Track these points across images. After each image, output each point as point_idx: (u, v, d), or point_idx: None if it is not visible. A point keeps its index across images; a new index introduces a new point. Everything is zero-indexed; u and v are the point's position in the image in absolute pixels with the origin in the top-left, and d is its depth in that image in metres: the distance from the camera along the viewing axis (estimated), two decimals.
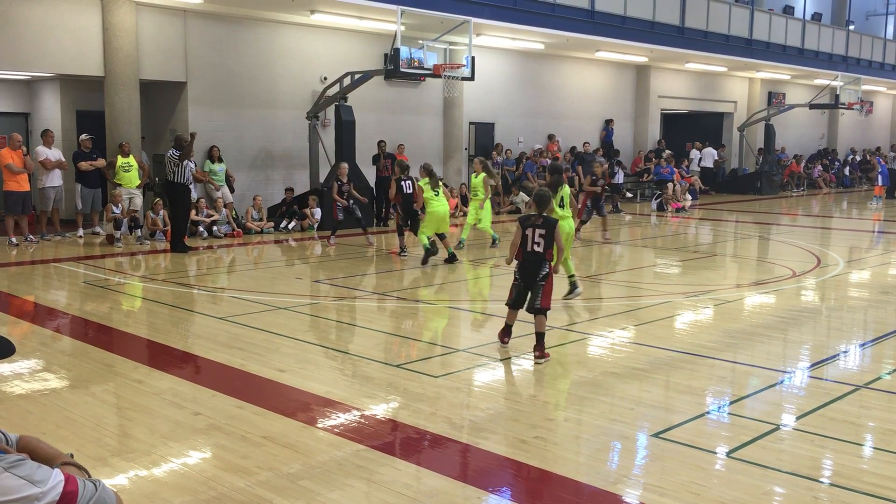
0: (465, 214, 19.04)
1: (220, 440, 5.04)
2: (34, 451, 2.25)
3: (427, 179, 12.27)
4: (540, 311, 6.95)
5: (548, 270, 7.06)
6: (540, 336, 6.92)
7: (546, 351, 6.92)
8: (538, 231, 7.00)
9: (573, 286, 9.45)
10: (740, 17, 25.21)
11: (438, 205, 12.18)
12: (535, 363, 6.84)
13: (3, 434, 2.25)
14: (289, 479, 4.47)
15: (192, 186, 13.92)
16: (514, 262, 7.21)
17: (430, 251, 12.02)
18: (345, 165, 14.49)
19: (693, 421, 5.47)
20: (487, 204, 13.90)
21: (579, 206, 14.37)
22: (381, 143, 17.53)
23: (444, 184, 12.80)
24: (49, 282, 11.02)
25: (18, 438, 2.32)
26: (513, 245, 7.16)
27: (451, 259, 12.12)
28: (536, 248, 7.01)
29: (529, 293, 7.03)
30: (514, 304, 7.14)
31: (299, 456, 4.79)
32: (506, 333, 7.25)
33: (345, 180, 14.15)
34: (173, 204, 13.29)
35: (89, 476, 2.18)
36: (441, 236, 12.29)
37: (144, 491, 4.32)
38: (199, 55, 16.07)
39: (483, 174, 13.72)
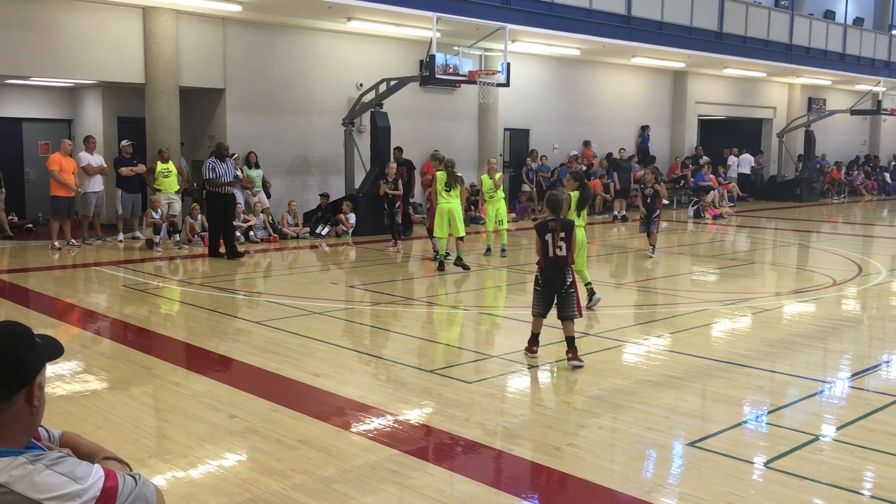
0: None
1: (256, 443, 5.09)
2: (76, 447, 2.29)
3: (444, 174, 12.10)
4: (571, 317, 6.91)
5: (573, 277, 7.03)
6: (571, 340, 6.88)
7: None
8: (558, 235, 6.92)
9: (591, 293, 9.32)
10: (780, 22, 24.88)
11: (445, 202, 11.99)
12: (575, 366, 6.78)
13: (45, 430, 2.30)
14: (323, 482, 4.49)
15: (232, 192, 13.63)
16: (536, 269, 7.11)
17: (441, 259, 12.01)
18: (393, 165, 14.43)
19: (730, 430, 5.39)
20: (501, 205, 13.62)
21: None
22: (395, 151, 16.60)
23: (460, 183, 12.24)
24: (90, 285, 11.23)
25: (61, 434, 2.37)
26: (538, 252, 7.07)
27: (459, 263, 12.00)
28: (559, 253, 6.93)
29: (557, 300, 6.96)
30: (538, 313, 7.05)
31: (333, 460, 4.82)
32: (534, 342, 7.13)
33: (391, 180, 14.01)
34: (209, 210, 13.38)
35: (131, 470, 2.22)
36: (459, 239, 12.17)
37: (181, 492, 4.37)
38: (238, 62, 16.30)
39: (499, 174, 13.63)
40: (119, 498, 1.99)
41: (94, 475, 1.98)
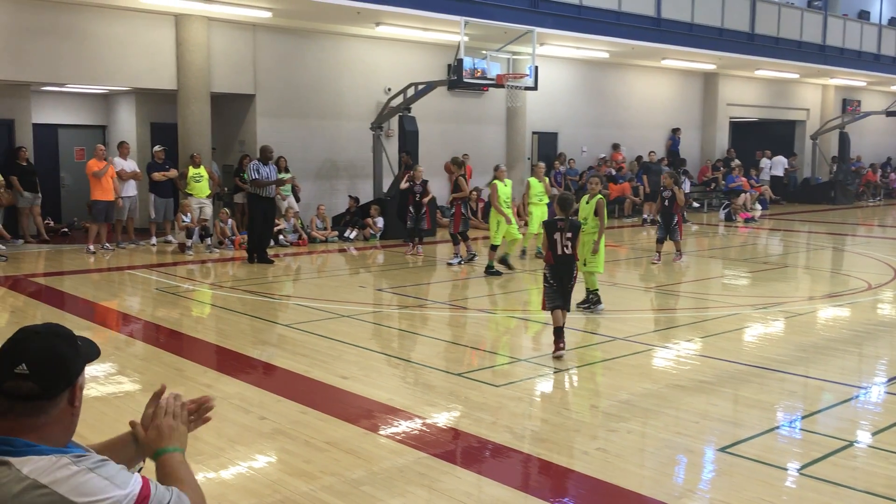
0: (526, 224, 19.01)
1: (285, 444, 5.13)
2: (109, 448, 2.32)
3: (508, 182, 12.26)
4: (563, 308, 7.40)
5: (576, 272, 7.55)
6: (560, 330, 7.25)
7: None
8: (565, 234, 7.39)
9: (596, 301, 9.24)
10: (813, 23, 24.55)
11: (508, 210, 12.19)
12: (555, 356, 7.13)
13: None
14: (351, 484, 4.51)
15: (274, 196, 13.37)
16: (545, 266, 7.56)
17: (498, 265, 11.97)
18: (421, 169, 14.42)
19: (762, 436, 5.32)
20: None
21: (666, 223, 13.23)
22: (402, 155, 16.04)
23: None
24: (123, 288, 11.40)
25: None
26: (544, 248, 7.58)
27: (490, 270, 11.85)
28: (566, 251, 7.41)
29: (566, 294, 7.41)
30: (557, 306, 7.33)
31: (361, 462, 4.83)
32: (559, 338, 7.23)
33: (417, 183, 14.00)
34: (250, 215, 13.31)
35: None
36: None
37: (212, 493, 4.41)
38: (268, 68, 16.45)
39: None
40: (151, 501, 2.02)
41: (133, 482, 2.01)
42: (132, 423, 2.39)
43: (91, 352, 2.18)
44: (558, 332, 7.23)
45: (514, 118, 20.39)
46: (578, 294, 9.14)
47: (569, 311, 7.49)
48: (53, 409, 2.02)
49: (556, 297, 7.35)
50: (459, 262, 12.84)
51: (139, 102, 16.90)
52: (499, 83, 15.45)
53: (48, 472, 1.92)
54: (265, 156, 13.07)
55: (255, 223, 13.12)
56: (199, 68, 15.24)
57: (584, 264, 8.97)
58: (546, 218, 13.21)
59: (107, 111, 17.87)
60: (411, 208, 14.01)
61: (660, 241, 13.20)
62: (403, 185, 14.40)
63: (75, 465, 1.95)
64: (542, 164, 14.02)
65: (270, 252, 13.52)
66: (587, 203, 9.26)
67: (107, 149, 16.96)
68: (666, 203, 13.17)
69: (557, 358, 7.15)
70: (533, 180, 13.58)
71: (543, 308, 7.57)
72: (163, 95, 16.24)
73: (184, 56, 15.14)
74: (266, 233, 13.24)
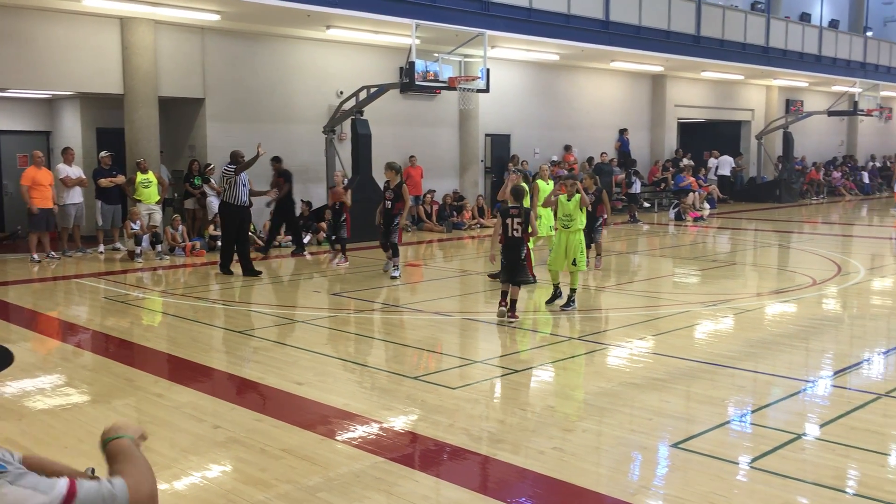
0: (480, 226, 19.14)
1: (240, 453, 5.06)
2: (40, 468, 2.25)
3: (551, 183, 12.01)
4: (520, 283, 8.80)
5: (526, 251, 8.82)
6: (514, 303, 8.72)
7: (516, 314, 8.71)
8: (516, 220, 8.69)
9: (571, 301, 9.47)
10: (756, 25, 25.12)
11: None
12: (509, 322, 8.57)
13: (9, 452, 2.25)
14: (308, 491, 4.47)
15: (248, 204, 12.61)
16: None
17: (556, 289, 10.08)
18: (339, 173, 13.87)
19: (714, 431, 5.42)
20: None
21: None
22: (272, 163, 15.15)
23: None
24: (70, 297, 11.14)
25: (22, 457, 2.32)
26: (495, 234, 8.96)
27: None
28: (515, 234, 8.72)
29: (512, 271, 8.70)
30: (504, 280, 8.86)
31: (318, 468, 4.80)
32: (503, 298, 8.75)
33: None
34: (222, 224, 12.55)
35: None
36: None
37: None
38: (217, 72, 16.24)
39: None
40: (78, 497, 1.98)
41: (58, 486, 1.97)
42: None
43: (2, 359, 2.11)
44: (503, 295, 8.73)
45: (467, 121, 20.46)
46: (565, 295, 9.62)
47: (515, 285, 8.74)
48: None
49: (504, 273, 8.81)
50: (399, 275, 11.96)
51: (84, 107, 16.52)
52: (451, 86, 15.50)
53: None
54: (238, 161, 12.26)
55: (228, 235, 12.36)
56: (146, 72, 14.97)
57: (574, 264, 9.44)
58: (552, 221, 13.01)
59: (51, 116, 17.44)
60: (331, 216, 13.50)
61: (594, 243, 12.43)
62: (271, 195, 14.23)
63: None
64: (545, 167, 13.52)
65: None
66: (567, 201, 9.45)
67: (51, 155, 16.61)
68: (589, 207, 11.09)
69: (499, 315, 8.67)
70: (541, 182, 12.95)
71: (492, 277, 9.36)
72: (109, 100, 15.91)
73: (130, 60, 14.85)
74: (242, 242, 12.40)
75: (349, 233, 13.29)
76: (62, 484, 1.98)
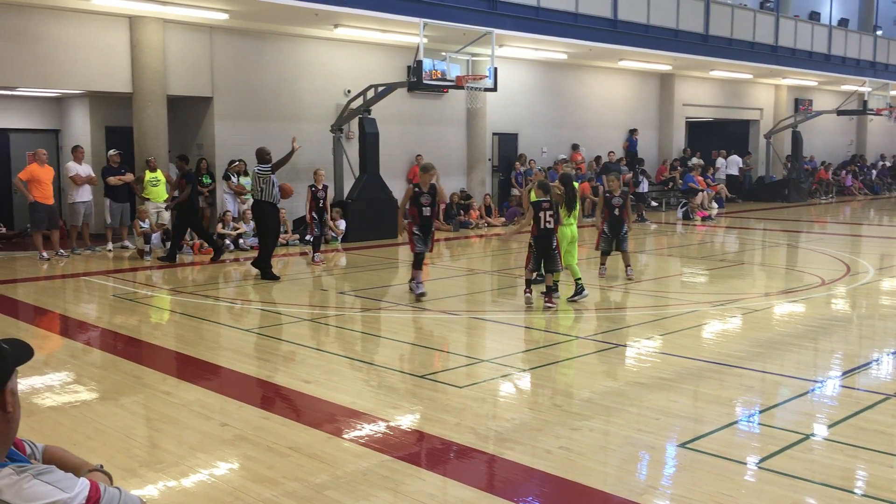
0: (487, 225, 19.13)
1: (247, 451, 5.07)
2: (60, 461, 2.28)
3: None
4: (553, 271, 9.49)
5: (556, 242, 9.48)
6: (550, 287, 9.47)
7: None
8: (548, 212, 9.39)
9: (580, 289, 9.88)
10: (765, 24, 25.03)
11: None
12: (547, 307, 9.34)
13: (29, 444, 2.29)
14: (315, 489, 4.48)
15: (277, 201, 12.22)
16: (531, 237, 9.56)
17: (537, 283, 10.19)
18: (322, 172, 13.64)
19: (721, 431, 5.41)
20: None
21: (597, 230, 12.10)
22: (177, 161, 14.30)
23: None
24: (79, 295, 11.18)
25: (44, 448, 2.35)
26: (526, 223, 9.60)
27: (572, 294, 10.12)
28: (548, 225, 9.41)
29: (545, 260, 9.47)
30: (535, 268, 9.63)
31: (325, 466, 4.80)
32: (528, 287, 9.61)
33: (319, 187, 13.28)
34: (260, 224, 12.16)
35: (112, 483, 2.21)
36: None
37: (173, 501, 4.35)
38: (225, 70, 16.28)
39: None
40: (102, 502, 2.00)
41: (80, 485, 1.98)
42: None
43: (21, 354, 2.11)
44: (527, 283, 9.64)
45: (475, 119, 20.46)
46: (569, 289, 10.10)
47: (558, 270, 9.58)
48: None
49: (536, 264, 9.55)
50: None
51: (93, 106, 16.59)
52: (458, 84, 15.49)
53: None
54: (265, 159, 11.89)
55: (272, 232, 12.09)
56: (154, 71, 15.02)
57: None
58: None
59: (60, 115, 17.51)
60: (314, 215, 13.31)
61: (605, 254, 11.61)
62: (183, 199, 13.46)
63: (17, 475, 1.92)
64: (539, 172, 13.59)
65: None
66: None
67: (60, 153, 16.68)
68: (617, 212, 11.34)
69: (528, 300, 9.57)
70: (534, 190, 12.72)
71: (526, 268, 9.66)
72: (118, 99, 15.97)
73: (139, 59, 14.91)
74: (266, 242, 12.03)
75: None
76: (84, 485, 1.99)
